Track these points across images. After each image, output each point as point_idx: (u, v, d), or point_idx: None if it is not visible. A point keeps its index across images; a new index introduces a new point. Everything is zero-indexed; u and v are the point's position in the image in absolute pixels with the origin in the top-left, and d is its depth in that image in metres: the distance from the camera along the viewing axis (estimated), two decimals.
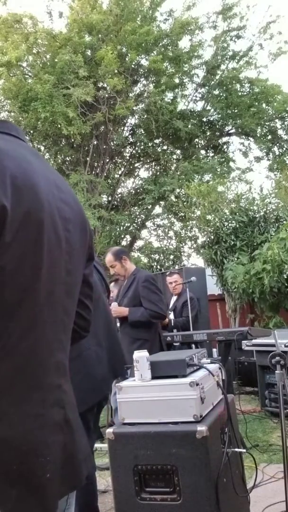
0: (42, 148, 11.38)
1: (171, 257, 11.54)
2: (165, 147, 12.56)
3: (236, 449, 2.03)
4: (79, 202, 1.09)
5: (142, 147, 11.85)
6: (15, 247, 0.81)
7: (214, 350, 5.00)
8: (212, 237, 7.90)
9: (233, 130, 12.66)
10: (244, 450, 2.21)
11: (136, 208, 12.05)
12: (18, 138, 0.96)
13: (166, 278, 5.87)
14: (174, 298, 5.64)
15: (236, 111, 11.96)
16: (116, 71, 9.95)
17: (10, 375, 0.83)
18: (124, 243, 11.76)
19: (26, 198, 0.84)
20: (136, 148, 12.17)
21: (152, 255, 11.57)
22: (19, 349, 0.85)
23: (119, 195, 12.20)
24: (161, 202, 11.43)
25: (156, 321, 3.77)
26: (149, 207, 11.82)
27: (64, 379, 0.96)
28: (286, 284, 6.05)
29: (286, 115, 12.12)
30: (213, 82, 11.92)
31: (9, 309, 0.83)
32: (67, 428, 0.94)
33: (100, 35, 10.30)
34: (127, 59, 10.41)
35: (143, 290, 3.69)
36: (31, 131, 10.57)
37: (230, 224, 7.89)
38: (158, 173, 12.25)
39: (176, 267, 10.20)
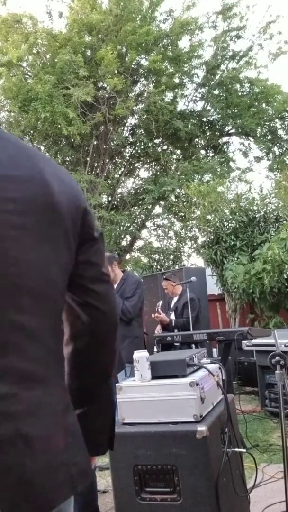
0: (42, 148, 11.38)
1: (171, 257, 11.54)
2: (165, 147, 12.55)
3: (236, 449, 2.04)
4: (49, 176, 0.92)
5: (142, 147, 11.85)
6: None
7: (214, 350, 5.00)
8: (212, 237, 7.89)
9: (233, 130, 12.66)
10: (244, 450, 2.21)
11: (136, 208, 12.05)
12: None
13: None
14: (175, 299, 5.64)
15: (236, 111, 11.95)
16: (116, 71, 9.95)
17: None
18: (124, 243, 11.76)
19: None
20: (136, 148, 12.16)
21: (152, 255, 11.57)
22: None
23: (119, 195, 12.20)
24: (161, 202, 11.43)
25: (120, 317, 3.98)
26: (149, 207, 11.82)
27: (22, 386, 0.82)
28: (286, 284, 6.05)
29: (286, 115, 12.12)
30: (213, 82, 11.92)
31: None
32: (23, 445, 0.79)
33: (100, 35, 10.30)
34: (127, 59, 10.41)
35: (130, 288, 4.03)
36: (31, 131, 10.58)
37: (230, 224, 7.89)
38: (158, 173, 12.24)
39: (176, 267, 10.21)
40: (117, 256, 4.76)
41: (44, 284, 0.89)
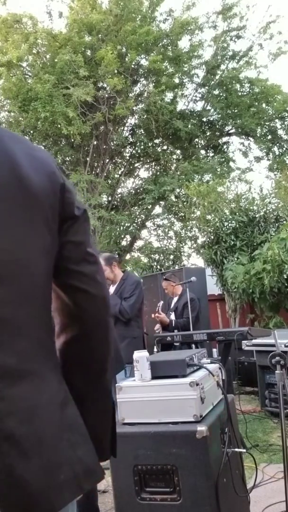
0: (42, 148, 11.36)
1: (171, 257, 11.54)
2: (165, 147, 12.55)
3: (236, 449, 2.04)
4: (20, 158, 0.86)
5: (142, 147, 11.84)
6: None
7: (214, 350, 5.00)
8: (212, 237, 7.90)
9: (233, 130, 12.66)
10: (244, 450, 2.21)
11: (136, 208, 12.05)
12: None
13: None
14: (175, 299, 5.64)
15: (236, 111, 11.96)
16: (116, 71, 9.95)
17: None
18: (124, 243, 11.76)
19: None
20: (136, 148, 12.16)
21: (152, 255, 11.57)
22: None
23: (119, 195, 12.20)
24: (161, 202, 11.43)
25: (118, 317, 3.98)
26: (149, 207, 11.82)
27: (5, 382, 0.77)
28: (286, 284, 6.05)
29: (286, 115, 12.12)
30: (213, 82, 11.92)
31: None
32: (8, 446, 0.74)
33: (100, 35, 10.30)
34: (127, 59, 10.41)
35: (129, 288, 4.05)
36: (31, 131, 10.58)
37: (230, 224, 7.89)
38: (158, 173, 12.24)
39: (176, 267, 10.20)
40: (116, 256, 4.78)
41: (23, 272, 0.82)
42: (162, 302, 5.67)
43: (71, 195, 0.93)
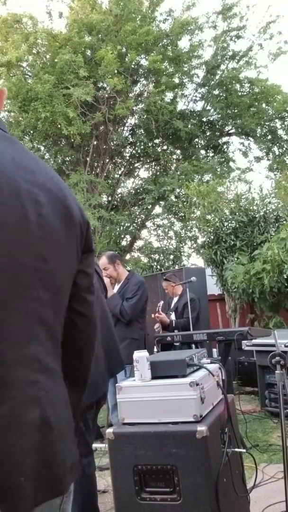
0: (42, 148, 11.37)
1: (171, 257, 11.54)
2: (165, 147, 12.55)
3: (236, 449, 2.04)
4: (65, 190, 1.02)
5: (142, 147, 11.84)
6: None
7: (214, 350, 5.00)
8: (212, 237, 7.89)
9: (233, 130, 12.66)
10: (244, 450, 2.21)
11: (136, 208, 12.05)
12: None
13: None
14: (175, 299, 5.64)
15: (236, 111, 11.95)
16: (116, 71, 9.95)
17: None
18: (124, 243, 11.76)
19: None
20: (136, 148, 12.16)
21: (152, 255, 11.57)
22: None
23: (119, 195, 12.20)
24: (161, 202, 11.43)
25: (118, 317, 3.95)
26: (149, 207, 11.82)
27: (43, 375, 0.88)
28: (286, 284, 6.05)
29: (286, 115, 12.12)
30: (213, 82, 11.92)
31: None
32: (46, 429, 0.86)
33: (100, 35, 10.29)
34: (127, 59, 10.40)
35: (131, 289, 4.00)
36: (31, 131, 10.57)
37: (230, 224, 7.89)
38: (158, 173, 12.24)
39: (176, 267, 10.20)
40: (118, 254, 4.75)
41: (61, 283, 0.97)
42: (162, 302, 5.67)
43: (90, 231, 1.10)
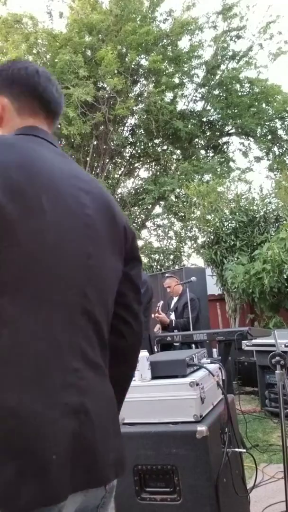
0: None
1: (171, 257, 11.54)
2: (165, 147, 12.55)
3: (236, 449, 2.04)
4: (110, 198, 1.11)
5: (142, 147, 11.85)
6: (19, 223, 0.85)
7: (214, 350, 4.99)
8: (212, 237, 7.89)
9: (233, 130, 12.66)
10: (244, 450, 2.21)
11: (136, 208, 12.05)
12: (44, 140, 1.03)
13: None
14: (175, 299, 5.64)
15: (236, 111, 11.96)
16: (116, 71, 9.95)
17: (13, 350, 0.82)
18: None
19: (18, 174, 0.89)
20: (136, 148, 12.16)
21: (152, 255, 11.57)
22: (24, 323, 0.84)
23: (119, 195, 12.20)
24: (161, 202, 11.44)
25: None
26: (149, 207, 11.83)
27: (86, 366, 0.92)
28: (286, 284, 6.05)
29: (286, 115, 12.12)
30: (213, 82, 11.92)
31: (12, 282, 0.85)
32: (85, 417, 0.88)
33: (100, 35, 10.30)
34: (127, 59, 10.41)
35: None
36: None
37: (230, 224, 7.89)
38: (158, 173, 12.25)
39: (176, 267, 10.20)
40: None
41: (106, 282, 1.02)
42: (162, 302, 5.67)
43: (137, 244, 1.17)
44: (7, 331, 0.82)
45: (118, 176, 12.23)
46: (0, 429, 0.77)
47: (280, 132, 12.51)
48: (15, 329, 0.83)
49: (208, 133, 12.73)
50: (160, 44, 11.00)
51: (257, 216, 7.74)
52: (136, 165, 12.74)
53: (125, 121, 11.50)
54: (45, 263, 0.88)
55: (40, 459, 0.79)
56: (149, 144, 11.59)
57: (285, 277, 5.90)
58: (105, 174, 11.32)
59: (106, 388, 0.98)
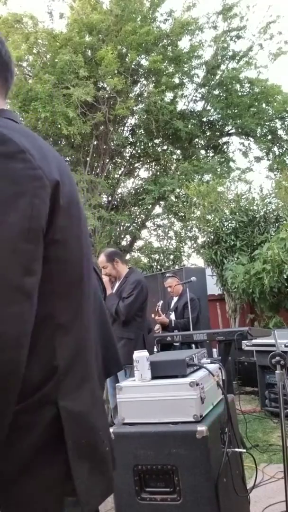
0: None
1: (171, 257, 11.53)
2: (165, 147, 12.55)
3: (236, 449, 2.04)
4: None
5: (142, 147, 11.84)
6: (66, 220, 0.86)
7: (214, 350, 5.00)
8: (212, 237, 7.89)
9: (233, 130, 12.66)
10: (244, 450, 2.21)
11: (136, 208, 12.04)
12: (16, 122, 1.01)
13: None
14: (175, 299, 5.64)
15: (236, 111, 11.95)
16: (116, 71, 9.94)
17: (73, 355, 0.86)
18: (124, 243, 11.76)
19: (66, 175, 0.90)
20: (136, 148, 12.16)
21: (152, 255, 11.56)
22: (77, 327, 0.88)
23: (119, 195, 12.19)
24: (161, 202, 11.43)
25: (114, 317, 3.89)
26: (149, 207, 11.82)
27: (97, 362, 1.00)
28: (286, 284, 6.05)
29: (286, 115, 12.12)
30: (213, 82, 11.92)
31: (65, 287, 0.87)
32: (104, 408, 0.99)
33: (100, 35, 10.29)
34: (127, 59, 10.40)
35: (128, 288, 3.88)
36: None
37: (230, 224, 7.89)
38: (158, 173, 12.24)
39: (176, 267, 10.20)
40: (120, 252, 4.55)
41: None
42: (161, 302, 5.67)
43: None
44: (67, 339, 0.85)
45: (118, 176, 12.23)
46: (70, 433, 0.81)
47: (280, 132, 12.51)
48: (72, 335, 0.86)
49: (208, 133, 12.72)
50: (160, 44, 10.99)
51: (257, 216, 7.74)
52: (136, 165, 12.74)
53: (125, 121, 11.49)
54: (83, 265, 0.92)
55: (99, 455, 0.88)
56: (149, 144, 11.59)
57: (285, 277, 5.90)
58: (105, 174, 11.32)
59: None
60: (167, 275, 6.00)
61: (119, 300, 3.84)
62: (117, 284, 4.03)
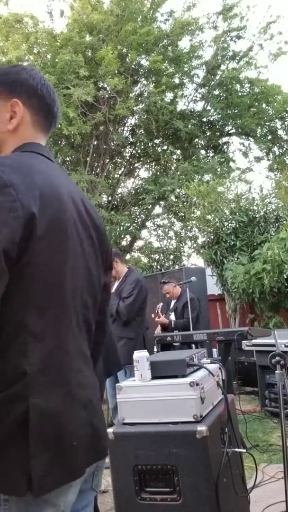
0: None
1: (171, 257, 11.53)
2: (165, 147, 12.55)
3: (236, 449, 2.04)
4: (98, 213, 1.25)
5: (142, 147, 11.84)
6: (44, 246, 0.97)
7: (214, 350, 5.00)
8: (212, 237, 7.90)
9: (233, 130, 12.66)
10: (244, 450, 2.21)
11: (136, 208, 12.04)
12: (48, 159, 1.14)
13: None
14: (174, 299, 5.64)
15: (236, 111, 11.95)
16: (116, 71, 9.94)
17: (43, 360, 0.97)
18: (124, 243, 11.76)
19: (52, 206, 1.01)
20: (136, 148, 12.16)
21: (152, 255, 11.56)
22: (50, 336, 0.99)
23: (119, 195, 12.19)
24: (161, 202, 11.42)
25: (115, 317, 3.88)
26: (149, 207, 11.81)
27: (85, 366, 1.10)
28: (286, 284, 6.05)
29: (286, 115, 12.12)
30: (213, 82, 11.92)
31: (41, 301, 0.98)
32: (91, 407, 1.06)
33: (100, 35, 10.29)
34: (127, 59, 10.40)
35: (127, 288, 3.88)
36: None
37: (230, 224, 7.89)
38: (158, 173, 12.24)
39: (176, 267, 10.20)
40: (120, 252, 4.53)
41: (97, 290, 1.21)
42: (161, 303, 5.67)
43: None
44: (39, 345, 0.97)
45: (118, 176, 12.22)
46: (36, 426, 0.93)
47: (280, 132, 12.50)
48: (44, 343, 0.98)
49: (208, 133, 12.72)
50: (161, 45, 10.99)
51: (257, 216, 7.74)
52: (136, 165, 12.74)
53: (125, 121, 11.49)
54: (65, 284, 1.03)
55: (66, 447, 0.97)
56: (149, 144, 11.58)
57: (285, 277, 5.90)
58: (105, 174, 11.31)
59: (95, 379, 1.15)
60: (162, 281, 5.95)
61: (119, 300, 3.85)
62: (116, 284, 4.04)
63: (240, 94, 12.10)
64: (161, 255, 11.50)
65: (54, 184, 1.05)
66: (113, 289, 4.01)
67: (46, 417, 0.95)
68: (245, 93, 12.16)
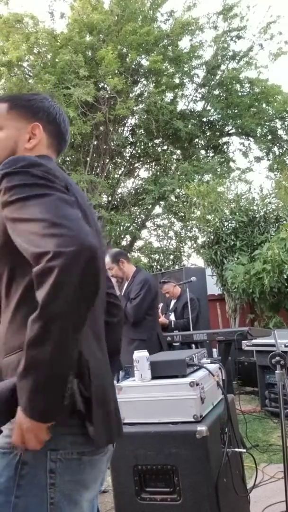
0: None
1: (171, 257, 11.53)
2: (165, 147, 12.55)
3: (236, 449, 2.04)
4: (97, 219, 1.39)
5: (142, 147, 11.84)
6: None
7: (214, 350, 5.00)
8: (212, 237, 7.89)
9: (233, 130, 12.66)
10: (244, 450, 2.21)
11: (136, 208, 12.05)
12: None
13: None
14: (174, 299, 5.63)
15: (236, 111, 11.95)
16: (116, 71, 9.94)
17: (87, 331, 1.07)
18: (124, 243, 11.76)
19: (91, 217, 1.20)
20: (136, 148, 12.16)
21: (152, 255, 11.56)
22: (93, 320, 1.11)
23: (119, 195, 12.20)
24: (161, 202, 11.43)
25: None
26: (149, 207, 11.82)
27: (103, 347, 1.19)
28: (286, 284, 6.05)
29: (286, 115, 12.12)
30: (213, 82, 11.92)
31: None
32: (114, 392, 1.17)
33: (100, 35, 10.30)
34: (127, 59, 10.41)
35: (135, 288, 3.76)
36: None
37: (230, 224, 7.89)
38: (158, 173, 12.24)
39: (176, 267, 10.20)
40: (125, 252, 4.35)
41: (104, 285, 1.31)
42: (161, 304, 5.66)
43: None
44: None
45: (118, 176, 12.23)
46: (85, 383, 0.99)
47: (280, 132, 12.51)
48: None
49: (208, 133, 12.72)
50: (161, 45, 10.99)
51: (257, 216, 7.74)
52: (136, 165, 12.74)
53: (125, 121, 11.50)
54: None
55: (109, 409, 1.06)
56: (149, 144, 11.59)
57: (285, 277, 5.90)
58: (105, 174, 11.32)
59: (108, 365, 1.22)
60: (162, 280, 5.87)
61: (127, 302, 3.75)
62: (125, 285, 3.91)
63: (240, 94, 12.10)
64: (161, 255, 11.50)
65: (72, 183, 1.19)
66: (122, 291, 3.91)
67: (94, 376, 1.01)
68: (245, 93, 12.17)
